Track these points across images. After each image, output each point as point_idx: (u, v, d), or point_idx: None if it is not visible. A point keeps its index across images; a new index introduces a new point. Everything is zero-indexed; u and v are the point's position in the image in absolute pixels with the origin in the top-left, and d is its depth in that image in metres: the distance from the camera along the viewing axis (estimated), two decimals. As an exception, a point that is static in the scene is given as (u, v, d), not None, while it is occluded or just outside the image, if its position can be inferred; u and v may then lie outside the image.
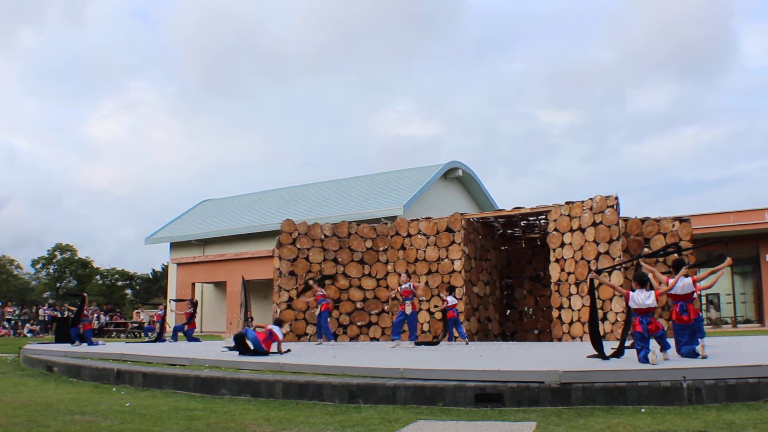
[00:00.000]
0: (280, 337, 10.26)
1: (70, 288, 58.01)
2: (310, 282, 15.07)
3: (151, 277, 63.79)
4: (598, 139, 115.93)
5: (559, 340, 14.62)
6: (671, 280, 7.99)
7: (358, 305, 16.58)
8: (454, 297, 14.15)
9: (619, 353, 7.98)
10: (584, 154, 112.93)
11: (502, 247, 18.57)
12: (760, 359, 6.73)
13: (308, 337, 15.99)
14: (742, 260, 27.14)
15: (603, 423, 5.27)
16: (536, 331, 17.75)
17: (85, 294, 16.88)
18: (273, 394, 7.12)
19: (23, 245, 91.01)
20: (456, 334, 13.90)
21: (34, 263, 61.57)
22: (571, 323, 14.37)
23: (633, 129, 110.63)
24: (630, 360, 7.27)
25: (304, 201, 34.35)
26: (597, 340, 8.04)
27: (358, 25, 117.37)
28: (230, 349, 11.49)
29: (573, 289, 14.34)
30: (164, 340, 16.90)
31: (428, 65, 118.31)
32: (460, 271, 15.54)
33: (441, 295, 15.11)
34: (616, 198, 13.81)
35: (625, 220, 14.23)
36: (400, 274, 15.03)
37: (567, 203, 14.95)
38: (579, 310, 14.11)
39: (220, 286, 34.73)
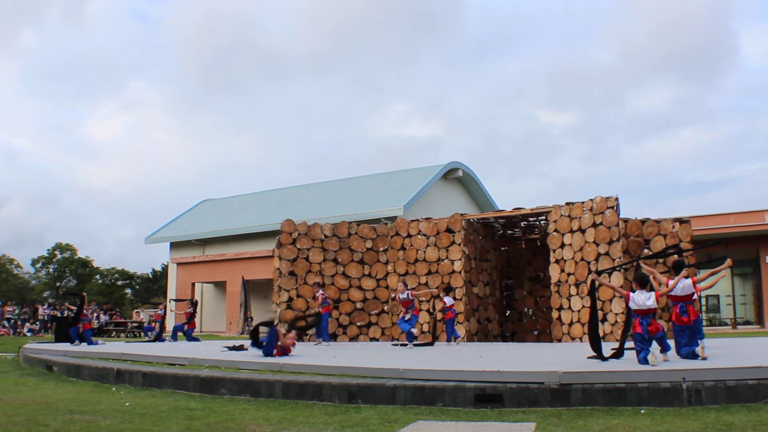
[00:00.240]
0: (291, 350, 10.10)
1: (70, 287, 58.00)
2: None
3: (151, 276, 63.76)
4: (598, 139, 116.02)
5: (559, 341, 14.62)
6: (671, 282, 7.99)
7: (358, 305, 16.59)
8: (452, 298, 14.19)
9: (618, 354, 7.98)
10: (584, 155, 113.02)
11: (502, 248, 18.57)
12: (759, 361, 6.73)
13: (307, 337, 15.99)
14: (742, 262, 27.14)
15: (602, 424, 5.27)
16: (536, 332, 17.76)
17: (84, 294, 16.88)
18: (272, 394, 7.12)
19: (23, 245, 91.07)
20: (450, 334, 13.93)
21: (34, 262, 61.60)
22: (570, 324, 14.37)
23: (633, 130, 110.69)
24: (630, 361, 7.27)
25: (304, 201, 34.36)
26: (596, 341, 8.04)
27: (357, 26, 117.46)
28: (230, 349, 11.52)
29: (573, 290, 14.34)
30: (164, 340, 16.90)
31: (428, 65, 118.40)
32: (460, 272, 15.55)
33: (440, 295, 15.11)
34: (616, 199, 13.81)
35: (625, 221, 14.24)
36: (399, 276, 15.04)
37: (567, 204, 14.95)
38: (579, 311, 14.11)
39: (220, 285, 34.74)
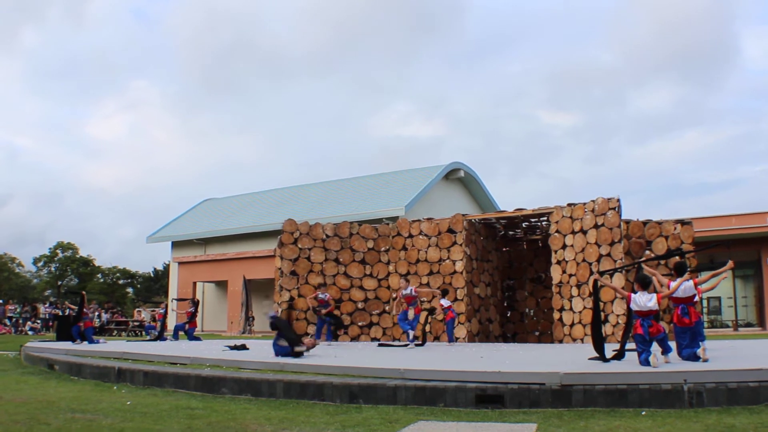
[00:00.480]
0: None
1: (71, 286, 58.06)
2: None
3: (152, 275, 63.82)
4: (600, 140, 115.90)
5: (560, 341, 14.61)
6: (673, 283, 7.98)
7: (359, 305, 16.59)
8: (448, 300, 14.22)
9: (620, 356, 7.97)
10: (586, 156, 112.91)
11: (504, 249, 18.57)
12: (761, 363, 6.73)
13: (308, 336, 15.98)
14: (744, 263, 27.11)
15: (603, 425, 5.26)
16: (537, 333, 17.75)
17: (84, 292, 16.91)
18: (274, 394, 7.13)
19: (25, 243, 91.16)
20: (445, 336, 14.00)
21: (35, 261, 61.68)
22: (572, 325, 14.36)
23: (635, 131, 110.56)
24: (631, 362, 7.26)
25: (306, 201, 34.38)
26: (598, 343, 8.04)
27: (358, 25, 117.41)
28: (231, 348, 11.52)
29: (574, 291, 14.34)
30: (165, 339, 16.92)
31: (428, 65, 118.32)
32: (461, 272, 15.54)
33: (438, 298, 15.14)
34: (618, 200, 13.80)
35: (627, 222, 14.22)
36: (401, 275, 15.04)
37: (569, 205, 14.95)
38: (580, 312, 14.11)
39: (221, 285, 34.77)
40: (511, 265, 18.58)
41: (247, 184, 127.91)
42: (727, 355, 8.50)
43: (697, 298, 8.20)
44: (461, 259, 15.62)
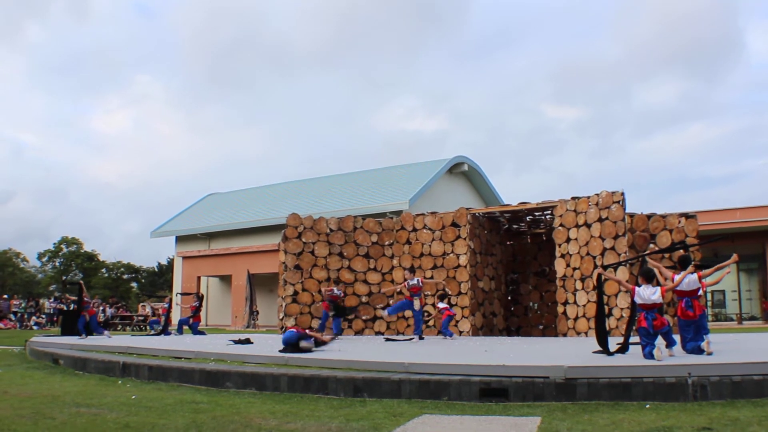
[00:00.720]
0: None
1: (70, 279, 58.14)
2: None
3: (156, 270, 63.95)
4: (605, 134, 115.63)
5: (564, 335, 14.61)
6: (677, 277, 7.96)
7: (363, 299, 16.61)
8: (445, 303, 14.22)
9: (623, 349, 7.97)
10: (590, 150, 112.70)
11: (508, 242, 18.55)
12: (765, 356, 6.71)
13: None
14: (748, 257, 27.05)
15: (608, 418, 5.26)
16: (541, 327, 17.74)
17: (81, 282, 16.95)
18: (278, 388, 7.14)
19: (29, 238, 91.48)
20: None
21: (40, 256, 61.87)
22: (576, 319, 14.35)
23: (639, 125, 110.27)
24: (635, 356, 7.26)
25: (310, 195, 34.34)
26: (602, 336, 8.03)
27: (363, 20, 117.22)
28: (236, 342, 11.54)
29: (578, 285, 14.32)
30: (169, 333, 16.95)
31: (433, 60, 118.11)
32: (465, 266, 15.54)
33: (434, 304, 15.12)
34: (622, 194, 13.77)
35: (631, 215, 14.19)
36: (405, 269, 15.03)
37: (573, 199, 14.91)
38: (584, 305, 14.09)
39: (226, 279, 34.81)
40: (515, 259, 18.57)
41: (252, 179, 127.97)
42: (731, 348, 8.47)
43: (701, 292, 8.18)
44: (465, 253, 15.61)
